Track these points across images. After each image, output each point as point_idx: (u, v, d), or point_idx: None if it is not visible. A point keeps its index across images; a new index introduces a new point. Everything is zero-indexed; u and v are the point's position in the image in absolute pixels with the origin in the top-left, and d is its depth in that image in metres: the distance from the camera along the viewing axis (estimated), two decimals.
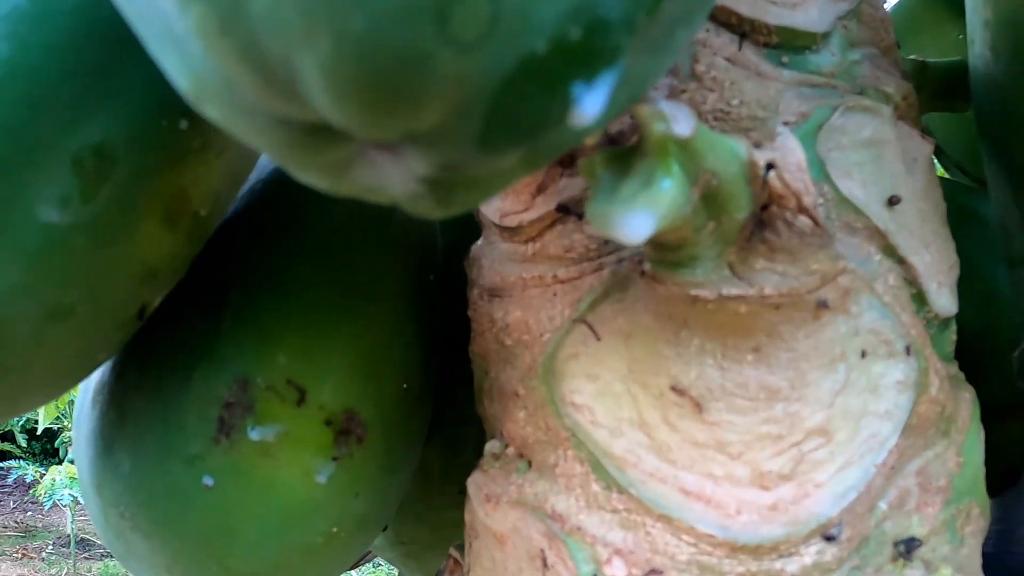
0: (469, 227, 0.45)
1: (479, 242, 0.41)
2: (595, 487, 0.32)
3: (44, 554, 4.69)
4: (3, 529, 4.99)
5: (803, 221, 0.26)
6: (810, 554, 0.30)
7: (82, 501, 0.49)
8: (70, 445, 4.82)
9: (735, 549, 0.29)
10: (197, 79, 0.15)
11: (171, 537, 0.42)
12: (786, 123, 0.33)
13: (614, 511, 0.31)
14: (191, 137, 0.34)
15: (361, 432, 0.43)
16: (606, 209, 0.21)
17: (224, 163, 0.37)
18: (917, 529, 0.33)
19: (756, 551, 0.29)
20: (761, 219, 0.26)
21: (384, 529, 0.54)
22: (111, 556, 4.76)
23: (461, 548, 0.47)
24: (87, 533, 4.91)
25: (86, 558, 4.69)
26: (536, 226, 0.34)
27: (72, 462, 4.40)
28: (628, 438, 0.30)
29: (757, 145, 0.25)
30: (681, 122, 0.21)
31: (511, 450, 0.37)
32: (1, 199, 0.30)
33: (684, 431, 0.29)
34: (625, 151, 0.23)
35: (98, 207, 0.32)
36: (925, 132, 0.40)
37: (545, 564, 0.33)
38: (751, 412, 0.29)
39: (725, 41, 0.34)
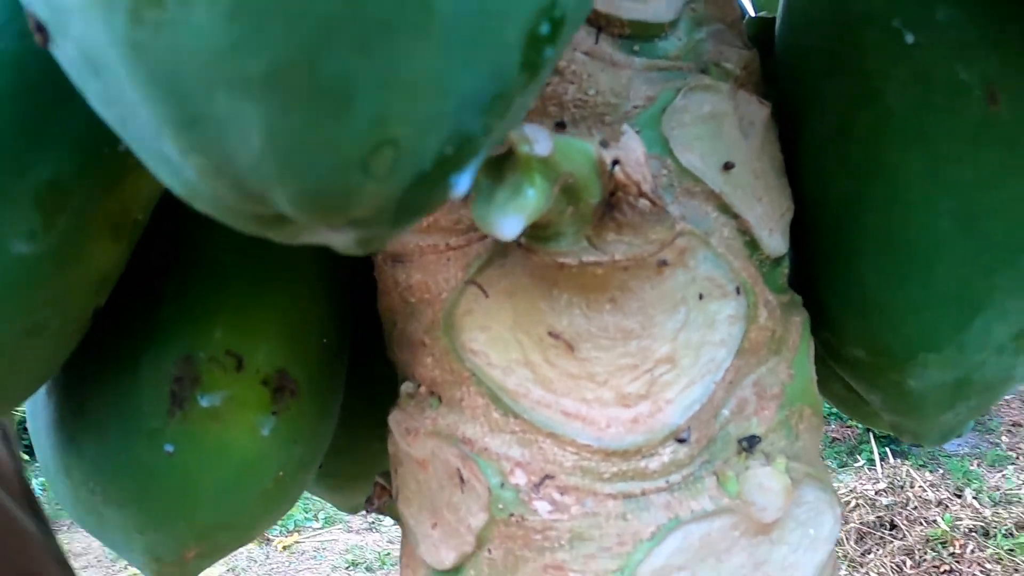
0: None
1: None
2: (495, 415, 0.41)
3: None
4: None
5: (643, 203, 0.35)
6: (667, 454, 0.40)
7: (48, 487, 0.56)
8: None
9: (608, 454, 0.39)
10: (190, 190, 0.23)
11: (141, 503, 0.49)
12: (636, 107, 0.42)
13: (512, 432, 0.40)
14: (129, 157, 0.40)
15: (293, 387, 0.51)
16: (485, 211, 0.30)
17: None
18: (756, 428, 0.44)
19: (624, 455, 0.39)
20: (610, 202, 0.35)
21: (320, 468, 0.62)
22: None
23: (385, 476, 0.56)
24: None
25: None
26: None
27: None
28: (518, 375, 0.40)
29: (605, 144, 0.34)
30: (541, 143, 0.30)
31: (423, 389, 0.46)
32: None
33: (561, 367, 0.39)
34: (499, 161, 0.31)
35: (59, 234, 0.38)
36: (763, 96, 0.49)
37: (462, 480, 0.42)
38: (612, 348, 0.39)
39: (583, 35, 0.42)
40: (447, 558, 0.45)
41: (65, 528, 4.89)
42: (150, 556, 0.52)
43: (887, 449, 4.30)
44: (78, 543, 4.64)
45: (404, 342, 0.47)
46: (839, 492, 3.55)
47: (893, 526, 3.59)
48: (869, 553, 3.45)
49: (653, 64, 0.43)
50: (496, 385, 0.40)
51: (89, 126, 0.38)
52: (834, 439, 4.69)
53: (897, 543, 3.45)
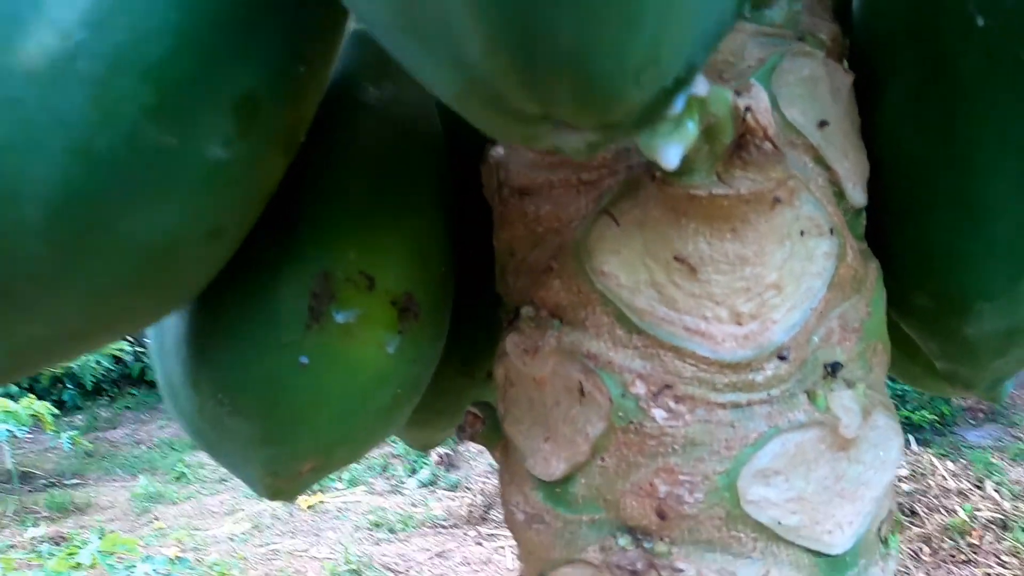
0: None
1: (498, 149, 0.55)
2: (619, 331, 0.48)
3: None
4: None
5: (767, 146, 0.41)
6: (771, 368, 0.46)
7: (168, 406, 0.57)
8: None
9: (722, 367, 0.46)
10: (469, 87, 0.27)
11: (270, 413, 0.52)
12: (749, 66, 0.48)
13: (635, 348, 0.47)
14: (307, 80, 0.45)
15: (417, 309, 0.56)
16: (651, 141, 0.36)
17: (319, 97, 0.50)
18: (840, 357, 0.50)
19: (736, 367, 0.46)
20: (739, 143, 0.41)
21: None
22: (55, 486, 4.96)
23: (478, 406, 0.62)
24: (26, 466, 5.05)
25: (30, 491, 4.84)
26: None
27: (5, 396, 4.45)
28: (645, 295, 0.46)
29: (738, 92, 0.41)
30: (700, 85, 0.36)
31: (544, 312, 0.52)
32: (181, 143, 0.38)
33: (684, 287, 0.46)
34: None
35: (250, 144, 0.41)
36: (847, 67, 0.55)
37: (582, 392, 0.49)
38: (729, 273, 0.45)
39: None
40: (558, 469, 0.52)
41: (92, 482, 5.02)
42: (267, 470, 0.56)
43: (911, 436, 4.35)
44: (104, 497, 4.78)
45: (524, 270, 0.53)
46: None
47: (913, 513, 3.66)
48: None
49: (761, 30, 0.50)
50: (624, 304, 0.47)
51: (280, 46, 0.42)
52: None
53: (916, 530, 3.52)
